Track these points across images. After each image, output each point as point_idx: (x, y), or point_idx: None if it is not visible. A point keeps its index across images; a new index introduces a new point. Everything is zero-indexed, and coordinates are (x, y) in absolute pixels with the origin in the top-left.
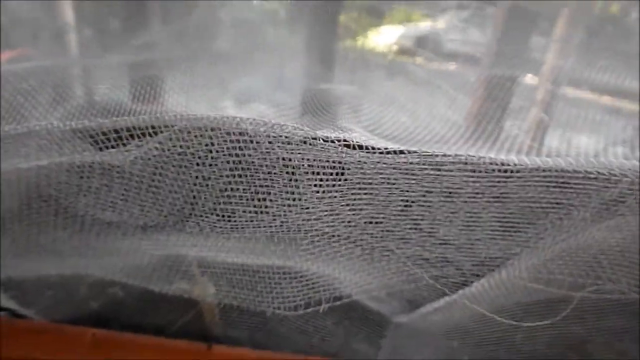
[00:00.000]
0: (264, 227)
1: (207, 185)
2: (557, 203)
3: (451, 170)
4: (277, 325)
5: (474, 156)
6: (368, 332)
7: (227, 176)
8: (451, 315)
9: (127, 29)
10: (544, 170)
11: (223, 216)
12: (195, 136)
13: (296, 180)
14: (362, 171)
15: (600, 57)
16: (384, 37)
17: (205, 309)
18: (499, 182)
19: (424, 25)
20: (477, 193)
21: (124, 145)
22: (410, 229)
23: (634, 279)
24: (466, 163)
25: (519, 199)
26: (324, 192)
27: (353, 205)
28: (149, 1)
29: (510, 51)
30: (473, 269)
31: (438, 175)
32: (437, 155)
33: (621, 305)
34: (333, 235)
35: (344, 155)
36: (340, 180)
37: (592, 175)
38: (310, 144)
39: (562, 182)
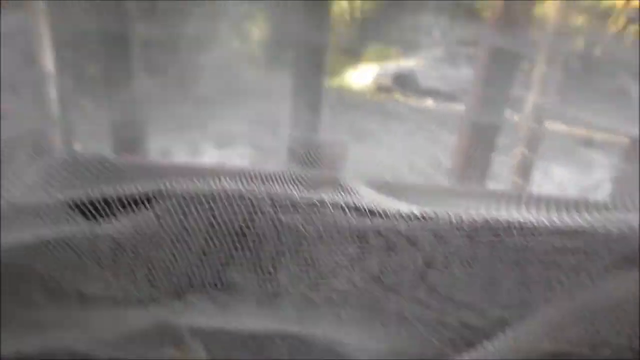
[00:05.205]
0: (270, 296)
1: (206, 256)
2: (570, 261)
3: (476, 233)
4: None
5: (500, 217)
6: None
7: (229, 246)
8: None
9: (108, 77)
10: (561, 232)
11: (224, 288)
12: (195, 206)
13: (304, 247)
14: (377, 236)
15: (577, 95)
16: (361, 76)
17: None
18: (518, 243)
19: (400, 64)
20: (497, 255)
21: (114, 215)
22: (426, 293)
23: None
24: (492, 225)
25: (537, 260)
26: (334, 258)
27: (366, 270)
28: (130, 51)
29: (493, 91)
30: (487, 330)
31: (463, 238)
32: (462, 217)
33: None
34: (344, 302)
35: (353, 221)
36: (352, 245)
37: (611, 234)
38: (317, 210)
39: (577, 241)
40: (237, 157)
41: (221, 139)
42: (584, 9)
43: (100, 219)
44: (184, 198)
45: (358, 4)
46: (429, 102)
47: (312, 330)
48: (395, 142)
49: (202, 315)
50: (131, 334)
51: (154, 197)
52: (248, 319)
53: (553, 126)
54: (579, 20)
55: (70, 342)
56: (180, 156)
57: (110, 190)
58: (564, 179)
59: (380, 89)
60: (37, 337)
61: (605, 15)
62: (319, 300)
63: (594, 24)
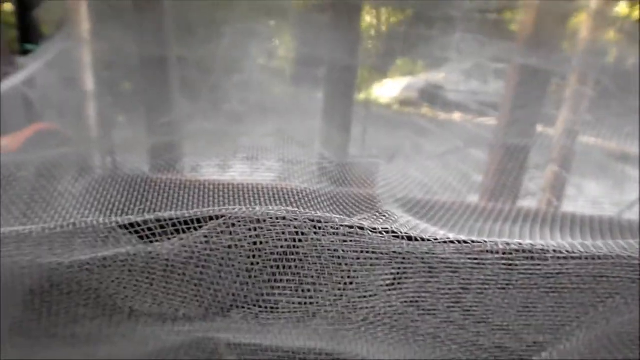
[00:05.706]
0: (309, 316)
1: (251, 276)
2: (605, 286)
3: (515, 259)
4: None
5: (540, 245)
6: None
7: (272, 267)
8: None
9: (146, 96)
10: (596, 258)
11: (267, 307)
12: (241, 228)
13: (344, 270)
14: (414, 260)
15: (610, 111)
16: (389, 90)
17: None
18: (554, 269)
19: (427, 78)
20: (532, 280)
21: (168, 237)
22: (462, 316)
23: None
24: (532, 252)
25: (572, 285)
26: (372, 281)
27: (404, 293)
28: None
29: (525, 108)
30: (521, 353)
31: (503, 264)
32: (505, 244)
33: None
34: (380, 323)
35: (394, 246)
36: (390, 269)
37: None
38: (357, 234)
39: (611, 267)
40: (266, 171)
41: (250, 154)
42: (615, 22)
43: (153, 239)
44: (231, 221)
45: (385, 19)
46: (457, 117)
47: (347, 348)
48: (425, 159)
49: (242, 331)
50: (174, 347)
51: (203, 219)
52: (286, 336)
53: (586, 141)
54: (610, 35)
55: (116, 353)
56: (210, 169)
57: (162, 212)
58: (598, 195)
59: (407, 103)
60: (84, 349)
61: (636, 28)
62: (355, 320)
63: (625, 38)
